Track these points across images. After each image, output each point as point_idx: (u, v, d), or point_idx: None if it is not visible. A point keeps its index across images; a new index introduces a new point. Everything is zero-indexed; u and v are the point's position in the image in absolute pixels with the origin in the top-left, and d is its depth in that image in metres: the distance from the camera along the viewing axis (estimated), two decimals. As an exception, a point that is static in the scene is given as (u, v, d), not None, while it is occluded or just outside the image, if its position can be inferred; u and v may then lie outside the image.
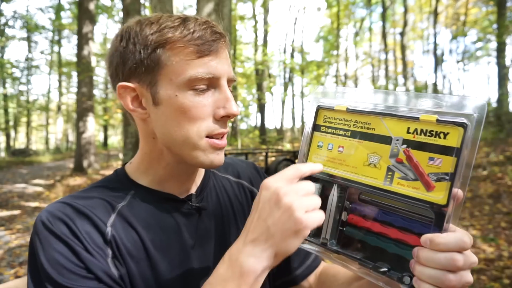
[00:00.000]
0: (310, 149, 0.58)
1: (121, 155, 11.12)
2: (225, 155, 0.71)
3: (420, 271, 0.43)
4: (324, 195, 0.55)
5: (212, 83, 0.59)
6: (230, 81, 0.62)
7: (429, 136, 0.46)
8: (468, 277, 0.42)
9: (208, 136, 0.59)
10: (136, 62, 0.57)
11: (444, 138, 0.45)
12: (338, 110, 0.55)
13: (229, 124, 0.66)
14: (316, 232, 0.55)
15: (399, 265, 0.47)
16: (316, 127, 0.58)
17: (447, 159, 0.44)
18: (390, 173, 0.48)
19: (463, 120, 0.43)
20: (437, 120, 0.45)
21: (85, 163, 10.04)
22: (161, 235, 0.62)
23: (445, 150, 0.44)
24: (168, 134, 0.60)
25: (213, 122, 0.59)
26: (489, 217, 4.28)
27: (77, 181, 8.84)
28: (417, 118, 0.47)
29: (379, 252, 0.49)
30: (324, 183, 0.56)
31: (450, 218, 0.43)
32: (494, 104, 12.15)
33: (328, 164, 0.55)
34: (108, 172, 9.75)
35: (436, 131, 0.45)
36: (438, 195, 0.44)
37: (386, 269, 0.48)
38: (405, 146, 0.48)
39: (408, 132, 0.48)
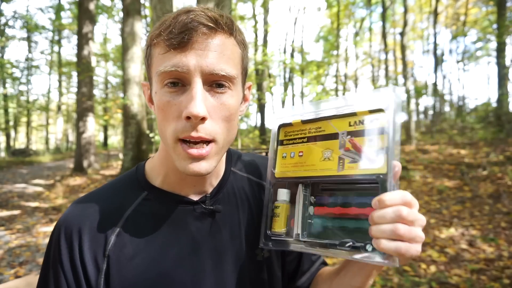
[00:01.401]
0: (276, 162, 0.68)
1: (121, 155, 11.12)
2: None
3: (375, 229, 0.48)
4: (293, 197, 0.63)
5: (183, 78, 0.53)
6: (212, 75, 0.53)
7: (365, 123, 0.57)
8: (418, 232, 0.47)
9: (180, 139, 0.53)
10: (145, 61, 0.60)
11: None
12: (296, 123, 0.66)
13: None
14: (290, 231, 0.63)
15: (361, 236, 0.54)
16: (279, 142, 0.68)
17: (381, 137, 0.54)
18: (341, 161, 0.58)
19: (387, 105, 0.55)
20: (369, 111, 0.56)
21: (85, 163, 10.04)
22: (170, 240, 0.60)
23: (378, 131, 0.55)
24: (159, 133, 0.59)
25: (183, 123, 0.52)
26: (489, 217, 4.28)
27: (77, 181, 8.83)
28: (354, 114, 0.58)
29: (342, 231, 0.57)
30: (291, 186, 0.64)
31: (391, 182, 0.51)
32: (494, 104, 12.15)
33: (293, 169, 0.64)
34: (108, 172, 9.75)
35: (369, 119, 0.57)
36: (379, 166, 0.53)
37: (351, 242, 0.54)
38: (349, 136, 0.58)
39: (350, 125, 0.58)
